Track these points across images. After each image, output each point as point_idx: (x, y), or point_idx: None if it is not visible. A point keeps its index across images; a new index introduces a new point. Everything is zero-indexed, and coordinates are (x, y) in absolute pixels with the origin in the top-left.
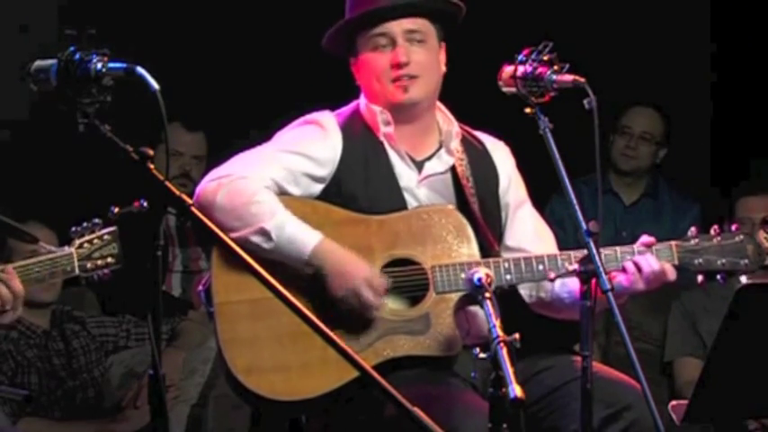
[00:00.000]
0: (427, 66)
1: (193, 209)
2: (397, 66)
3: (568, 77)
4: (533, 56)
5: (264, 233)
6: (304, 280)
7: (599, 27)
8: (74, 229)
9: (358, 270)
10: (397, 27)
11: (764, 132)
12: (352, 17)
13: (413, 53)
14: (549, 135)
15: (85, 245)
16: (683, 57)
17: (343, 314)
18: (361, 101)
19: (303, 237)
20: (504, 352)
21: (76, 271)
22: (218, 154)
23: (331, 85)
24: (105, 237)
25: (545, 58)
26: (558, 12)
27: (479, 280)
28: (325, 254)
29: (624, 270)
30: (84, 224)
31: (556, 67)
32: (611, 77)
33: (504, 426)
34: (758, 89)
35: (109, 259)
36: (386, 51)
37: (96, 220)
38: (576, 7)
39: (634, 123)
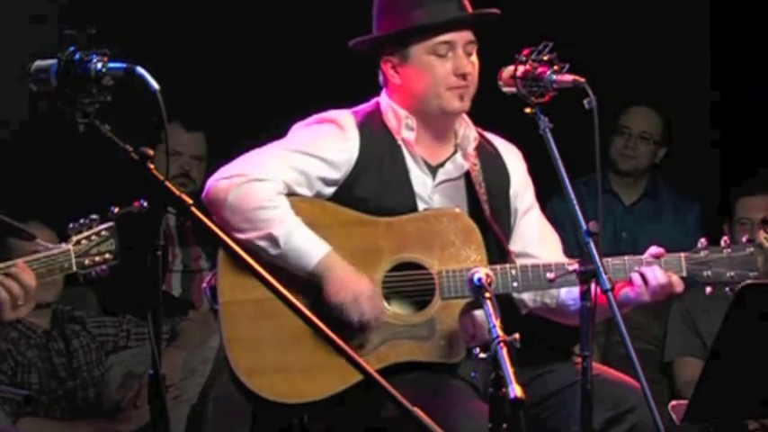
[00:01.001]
0: (476, 78)
1: (193, 209)
2: (462, 76)
3: (568, 77)
4: (533, 56)
5: (272, 239)
6: (306, 284)
7: (599, 27)
8: (71, 225)
9: (361, 284)
10: (462, 38)
11: (765, 132)
12: (424, 24)
13: (470, 65)
14: (549, 135)
15: (83, 241)
16: (683, 57)
17: (340, 323)
18: (383, 100)
19: (310, 248)
20: (504, 352)
21: (74, 268)
22: (217, 154)
23: (330, 85)
24: (103, 233)
25: (545, 58)
26: (559, 12)
27: (479, 280)
28: (331, 265)
29: (631, 281)
30: (82, 221)
31: (556, 67)
32: (611, 77)
33: (504, 426)
34: (758, 88)
35: (107, 255)
36: (446, 59)
37: (93, 217)
38: (576, 7)
39: (632, 123)
